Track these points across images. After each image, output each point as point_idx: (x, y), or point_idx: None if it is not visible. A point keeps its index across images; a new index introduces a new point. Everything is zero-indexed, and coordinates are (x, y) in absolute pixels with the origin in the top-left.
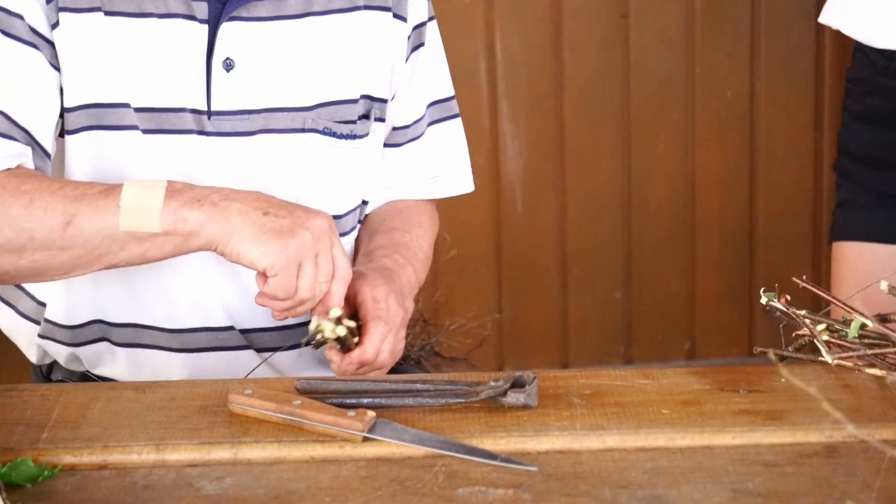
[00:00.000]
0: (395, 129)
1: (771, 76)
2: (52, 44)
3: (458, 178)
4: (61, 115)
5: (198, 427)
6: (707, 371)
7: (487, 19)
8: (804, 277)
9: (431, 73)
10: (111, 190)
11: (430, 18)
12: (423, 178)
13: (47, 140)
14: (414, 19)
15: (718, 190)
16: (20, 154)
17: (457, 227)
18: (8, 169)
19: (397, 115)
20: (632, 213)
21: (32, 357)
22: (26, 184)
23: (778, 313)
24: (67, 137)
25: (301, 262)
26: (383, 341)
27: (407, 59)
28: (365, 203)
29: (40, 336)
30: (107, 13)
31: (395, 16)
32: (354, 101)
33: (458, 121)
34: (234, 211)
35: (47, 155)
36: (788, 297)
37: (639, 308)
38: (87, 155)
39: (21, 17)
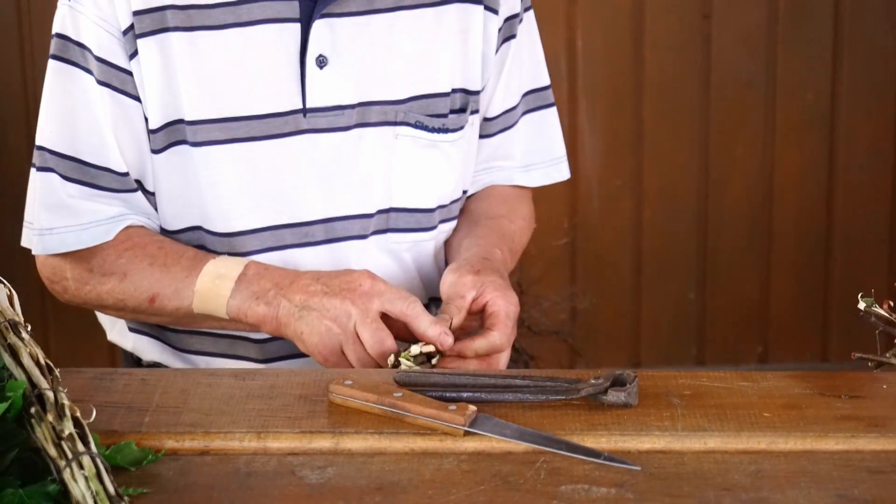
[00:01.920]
0: (486, 119)
1: (853, 80)
2: (130, 74)
3: (553, 167)
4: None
5: (298, 416)
6: (807, 375)
7: (569, 15)
8: None
9: (526, 63)
10: (194, 267)
11: (527, 9)
12: (517, 167)
13: (146, 175)
14: (505, 11)
15: (796, 193)
16: (120, 217)
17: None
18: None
19: (489, 105)
20: (708, 214)
21: (127, 345)
22: (123, 257)
23: (873, 319)
24: (154, 157)
25: (342, 346)
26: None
27: (497, 51)
28: (465, 192)
29: (131, 330)
30: (186, 29)
31: (487, 8)
32: (446, 95)
33: (553, 110)
34: (283, 312)
35: (149, 192)
36: (892, 303)
37: (712, 310)
38: (171, 173)
39: (100, 59)
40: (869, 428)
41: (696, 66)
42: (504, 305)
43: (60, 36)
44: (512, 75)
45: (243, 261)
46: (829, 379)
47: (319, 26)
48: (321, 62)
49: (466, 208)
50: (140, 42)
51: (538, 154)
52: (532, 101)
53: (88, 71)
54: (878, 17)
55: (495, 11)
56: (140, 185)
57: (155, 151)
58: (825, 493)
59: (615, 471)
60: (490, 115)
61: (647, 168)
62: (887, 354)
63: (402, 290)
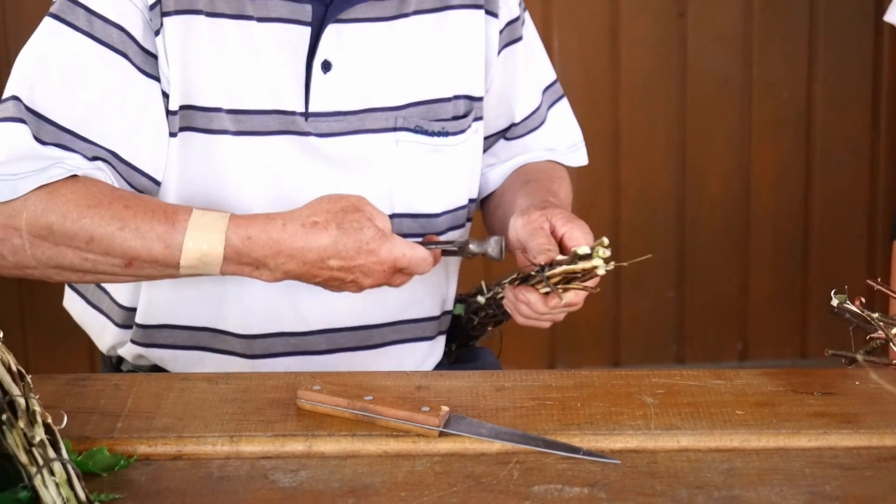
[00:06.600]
0: (514, 124)
1: (828, 77)
2: (150, 53)
3: (572, 154)
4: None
5: (271, 419)
6: (780, 373)
7: (545, 16)
8: (878, 280)
9: (537, 63)
10: (173, 238)
11: (524, 10)
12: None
13: (131, 151)
14: (506, 15)
15: (773, 190)
16: (90, 167)
17: None
18: (73, 176)
19: (514, 111)
20: (686, 213)
21: (103, 347)
22: (86, 216)
23: (847, 315)
24: (170, 140)
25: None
26: None
27: (499, 53)
28: (472, 201)
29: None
30: (208, 14)
31: (488, 12)
32: (448, 100)
33: (565, 100)
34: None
35: (133, 167)
36: (863, 300)
37: (691, 308)
38: (181, 157)
39: (120, 28)
40: (841, 424)
41: (673, 65)
42: (581, 236)
43: None
44: (529, 77)
45: (221, 228)
46: (802, 376)
47: (329, 31)
48: (326, 67)
49: (501, 188)
50: (166, 19)
51: (562, 144)
52: (550, 96)
53: (94, 38)
54: (853, 14)
55: (495, 15)
56: (114, 156)
57: (171, 134)
58: (797, 491)
59: (588, 470)
60: (518, 119)
61: (624, 167)
62: (860, 351)
63: (408, 243)
